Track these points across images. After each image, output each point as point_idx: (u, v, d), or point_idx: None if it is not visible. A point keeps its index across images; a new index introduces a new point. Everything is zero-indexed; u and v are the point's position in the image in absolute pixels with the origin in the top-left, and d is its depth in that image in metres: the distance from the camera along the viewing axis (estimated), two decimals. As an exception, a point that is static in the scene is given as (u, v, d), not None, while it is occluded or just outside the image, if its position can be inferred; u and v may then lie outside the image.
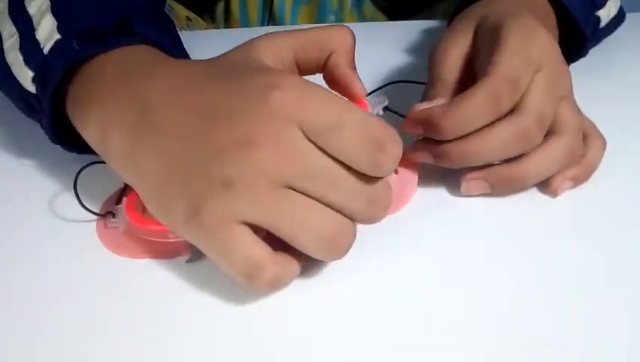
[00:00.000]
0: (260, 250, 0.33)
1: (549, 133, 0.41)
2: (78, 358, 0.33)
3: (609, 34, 0.58)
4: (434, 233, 0.40)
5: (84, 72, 0.39)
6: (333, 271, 0.37)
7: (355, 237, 0.34)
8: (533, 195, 0.43)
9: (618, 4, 0.58)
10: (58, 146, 0.42)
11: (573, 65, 0.53)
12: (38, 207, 0.42)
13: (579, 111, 0.44)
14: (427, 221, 0.41)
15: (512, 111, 0.40)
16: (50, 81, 0.39)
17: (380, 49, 0.60)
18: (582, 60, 0.54)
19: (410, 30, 0.64)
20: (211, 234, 0.32)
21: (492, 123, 0.40)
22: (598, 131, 0.45)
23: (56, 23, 0.41)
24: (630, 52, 0.61)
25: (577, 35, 0.52)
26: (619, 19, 0.58)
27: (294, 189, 0.32)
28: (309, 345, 0.34)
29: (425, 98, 0.44)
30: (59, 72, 0.39)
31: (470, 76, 0.44)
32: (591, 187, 0.44)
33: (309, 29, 0.38)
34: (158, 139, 0.34)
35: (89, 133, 0.38)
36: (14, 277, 0.37)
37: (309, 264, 0.36)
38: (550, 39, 0.42)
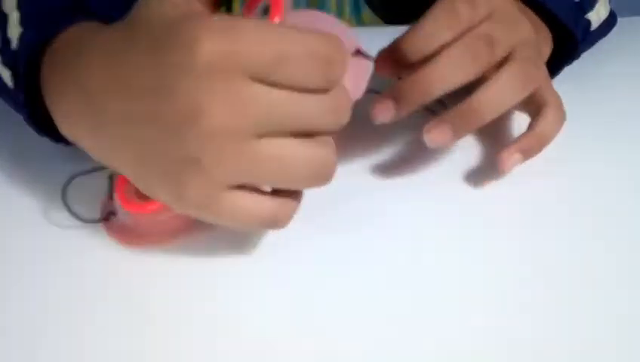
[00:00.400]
0: (261, 201, 0.33)
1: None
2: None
3: (602, 37, 0.58)
4: (432, 228, 0.41)
5: (46, 60, 0.39)
6: (330, 271, 0.38)
7: (335, 157, 0.34)
8: (534, 194, 0.43)
9: (608, 7, 0.58)
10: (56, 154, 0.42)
11: (566, 68, 0.53)
12: (43, 207, 0.42)
13: (542, 65, 0.44)
14: (425, 216, 0.42)
15: None
16: (20, 76, 0.39)
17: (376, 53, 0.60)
18: (575, 64, 0.54)
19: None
20: (205, 210, 0.33)
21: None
22: (559, 105, 0.44)
23: (19, 16, 0.41)
24: (623, 56, 0.60)
25: (568, 39, 0.52)
26: (610, 22, 0.58)
27: (262, 135, 0.31)
28: (306, 339, 0.34)
29: None
30: (23, 64, 0.39)
31: None
32: (589, 188, 0.44)
33: None
34: (114, 128, 0.34)
35: (59, 126, 0.38)
36: (19, 279, 0.38)
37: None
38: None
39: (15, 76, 0.40)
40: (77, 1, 0.40)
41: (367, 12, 0.74)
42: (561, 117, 0.44)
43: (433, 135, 0.41)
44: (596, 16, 0.55)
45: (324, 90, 0.32)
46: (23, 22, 0.40)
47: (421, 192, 0.43)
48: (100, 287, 0.37)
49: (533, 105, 0.44)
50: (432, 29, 0.40)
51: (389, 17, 0.75)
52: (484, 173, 0.45)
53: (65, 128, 0.38)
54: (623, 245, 0.40)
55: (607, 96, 0.54)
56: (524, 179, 0.43)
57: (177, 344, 0.34)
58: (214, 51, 0.30)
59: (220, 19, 0.30)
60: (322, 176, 0.34)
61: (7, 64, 0.41)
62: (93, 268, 0.38)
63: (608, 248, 0.40)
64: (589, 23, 0.54)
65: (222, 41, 0.30)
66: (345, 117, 0.34)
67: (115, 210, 0.39)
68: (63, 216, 0.40)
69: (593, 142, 0.47)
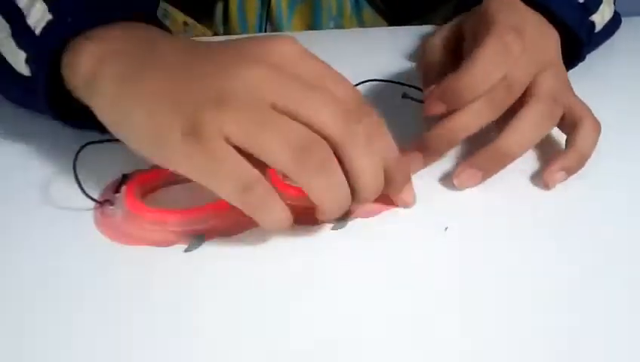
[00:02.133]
0: (250, 166, 0.34)
1: (524, 101, 0.42)
2: (76, 346, 0.32)
3: (606, 38, 0.59)
4: (432, 231, 0.40)
5: (79, 41, 0.39)
6: (332, 272, 0.37)
7: (331, 156, 0.34)
8: (534, 193, 0.43)
9: (612, 8, 0.58)
10: (57, 132, 0.43)
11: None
12: (35, 193, 0.42)
13: (564, 83, 0.45)
14: (426, 219, 0.41)
15: None
16: (45, 51, 0.39)
17: (379, 54, 0.61)
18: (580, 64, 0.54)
19: (409, 35, 0.64)
20: (208, 147, 0.33)
21: None
22: (591, 115, 0.44)
23: (46, 7, 0.41)
24: (628, 55, 0.61)
25: (574, 41, 0.52)
26: (614, 23, 0.58)
27: (276, 110, 0.34)
28: (305, 334, 0.33)
29: (425, 88, 0.46)
30: (54, 42, 0.39)
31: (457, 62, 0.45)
32: (590, 192, 0.43)
33: None
34: (157, 68, 0.36)
35: (81, 68, 0.38)
36: (11, 264, 0.37)
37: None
38: (529, 12, 0.45)
39: (36, 55, 0.40)
40: None
41: (368, 11, 0.74)
42: (597, 128, 0.44)
43: (463, 179, 0.42)
44: (600, 17, 0.55)
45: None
46: (53, 11, 0.40)
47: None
48: (96, 274, 0.36)
49: (567, 121, 0.44)
50: (490, 67, 0.41)
51: (391, 16, 0.75)
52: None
53: (82, 68, 0.38)
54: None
55: (611, 97, 0.54)
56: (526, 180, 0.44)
57: (166, 338, 0.33)
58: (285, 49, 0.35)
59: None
60: (304, 161, 0.33)
61: (25, 47, 0.41)
62: (90, 254, 0.38)
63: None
64: (593, 24, 0.55)
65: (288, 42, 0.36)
66: (360, 130, 0.35)
67: (114, 201, 0.39)
68: (64, 196, 0.40)
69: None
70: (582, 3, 0.53)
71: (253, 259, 0.37)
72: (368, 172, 0.35)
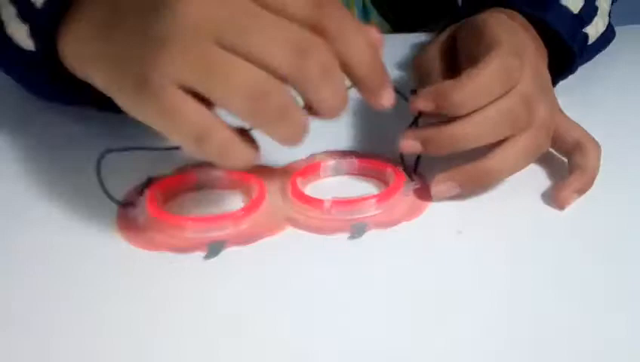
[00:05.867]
0: (207, 112, 0.33)
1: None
2: (94, 348, 0.33)
3: (600, 50, 0.59)
4: (443, 239, 0.41)
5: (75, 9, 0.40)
6: (341, 275, 0.38)
7: (288, 98, 0.33)
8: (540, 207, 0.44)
9: (607, 20, 0.58)
10: (81, 135, 0.44)
11: (569, 78, 0.54)
12: (59, 196, 0.42)
13: (555, 107, 0.45)
14: (437, 227, 0.42)
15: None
16: (45, 18, 0.40)
17: (385, 60, 0.61)
18: (578, 72, 0.55)
19: (415, 42, 0.65)
20: (159, 98, 0.32)
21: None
22: (589, 136, 0.46)
23: None
24: (625, 64, 0.62)
25: (566, 53, 0.53)
26: (608, 36, 0.59)
27: (224, 47, 0.32)
28: (315, 341, 0.34)
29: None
30: (53, 9, 0.39)
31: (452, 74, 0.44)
32: (591, 201, 0.44)
33: None
34: (120, 19, 0.35)
35: (68, 29, 0.39)
36: (33, 266, 0.38)
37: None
38: (528, 32, 0.45)
39: (37, 25, 0.41)
40: None
41: (375, 17, 0.75)
42: (599, 149, 0.45)
43: (441, 189, 0.42)
44: (594, 30, 0.56)
45: (301, 29, 0.32)
46: None
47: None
48: (115, 277, 0.37)
49: (565, 144, 0.45)
50: (487, 86, 0.40)
51: (398, 23, 0.76)
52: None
53: (68, 29, 0.39)
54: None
55: (605, 106, 0.56)
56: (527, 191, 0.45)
57: (183, 344, 0.34)
58: None
59: None
60: (261, 109, 0.32)
61: (28, 21, 0.41)
62: (110, 257, 0.39)
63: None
64: (586, 36, 0.55)
65: None
66: (311, 69, 0.32)
67: (136, 203, 0.40)
68: (87, 198, 0.41)
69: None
70: (576, 14, 0.53)
71: (271, 268, 0.38)
72: (328, 102, 0.34)
